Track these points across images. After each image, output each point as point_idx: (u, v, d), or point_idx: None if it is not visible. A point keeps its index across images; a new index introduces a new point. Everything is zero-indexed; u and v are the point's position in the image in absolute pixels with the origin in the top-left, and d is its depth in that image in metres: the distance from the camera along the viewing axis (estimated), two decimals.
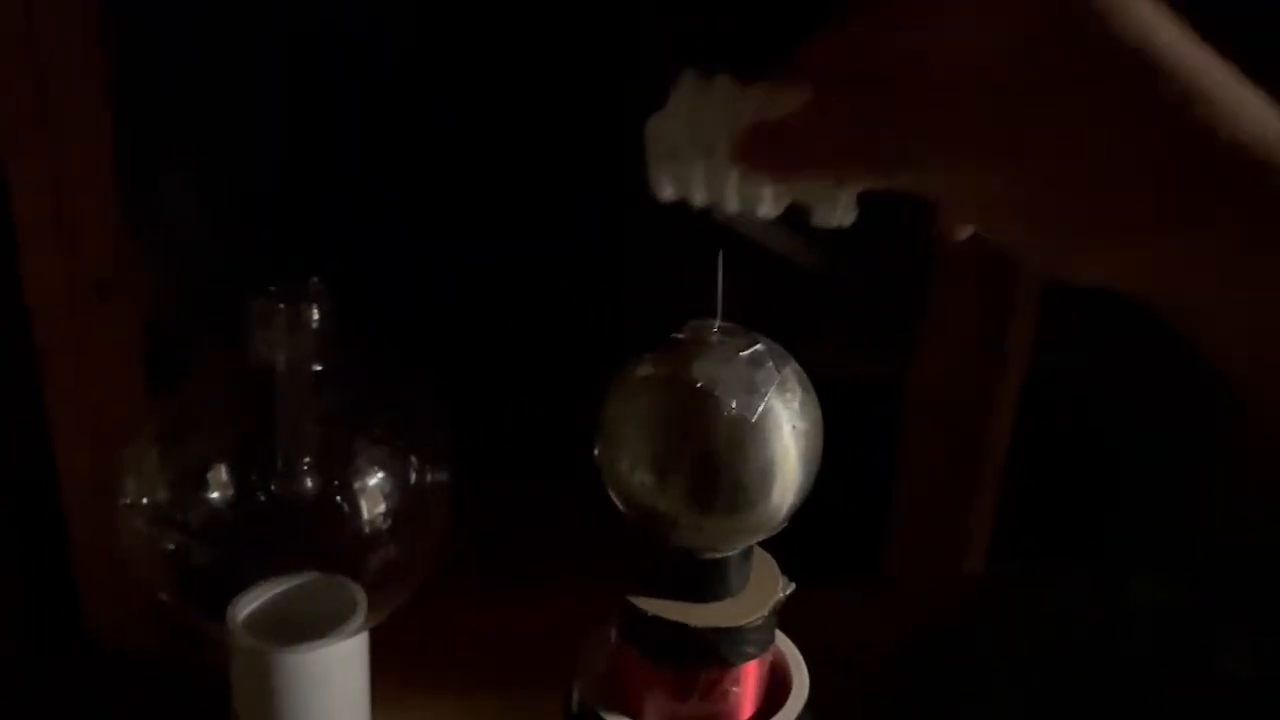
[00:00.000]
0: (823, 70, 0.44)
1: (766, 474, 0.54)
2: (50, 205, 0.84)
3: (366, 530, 0.75)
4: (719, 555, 0.57)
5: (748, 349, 0.54)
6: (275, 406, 0.73)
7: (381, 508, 0.75)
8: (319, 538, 0.75)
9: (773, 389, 0.54)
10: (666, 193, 0.47)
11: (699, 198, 0.47)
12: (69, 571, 0.93)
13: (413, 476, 0.76)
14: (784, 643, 0.62)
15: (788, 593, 0.59)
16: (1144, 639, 0.94)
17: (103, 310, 0.87)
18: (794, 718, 0.59)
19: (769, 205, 0.46)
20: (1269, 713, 0.88)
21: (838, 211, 0.45)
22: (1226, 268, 0.38)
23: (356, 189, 1.25)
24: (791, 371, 0.55)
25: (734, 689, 0.58)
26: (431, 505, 0.77)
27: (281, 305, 0.71)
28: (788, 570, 0.60)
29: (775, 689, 0.60)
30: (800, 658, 0.62)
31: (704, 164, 0.46)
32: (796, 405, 0.55)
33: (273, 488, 0.73)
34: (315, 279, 0.72)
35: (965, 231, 0.46)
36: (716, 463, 0.53)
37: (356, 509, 0.74)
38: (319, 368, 0.73)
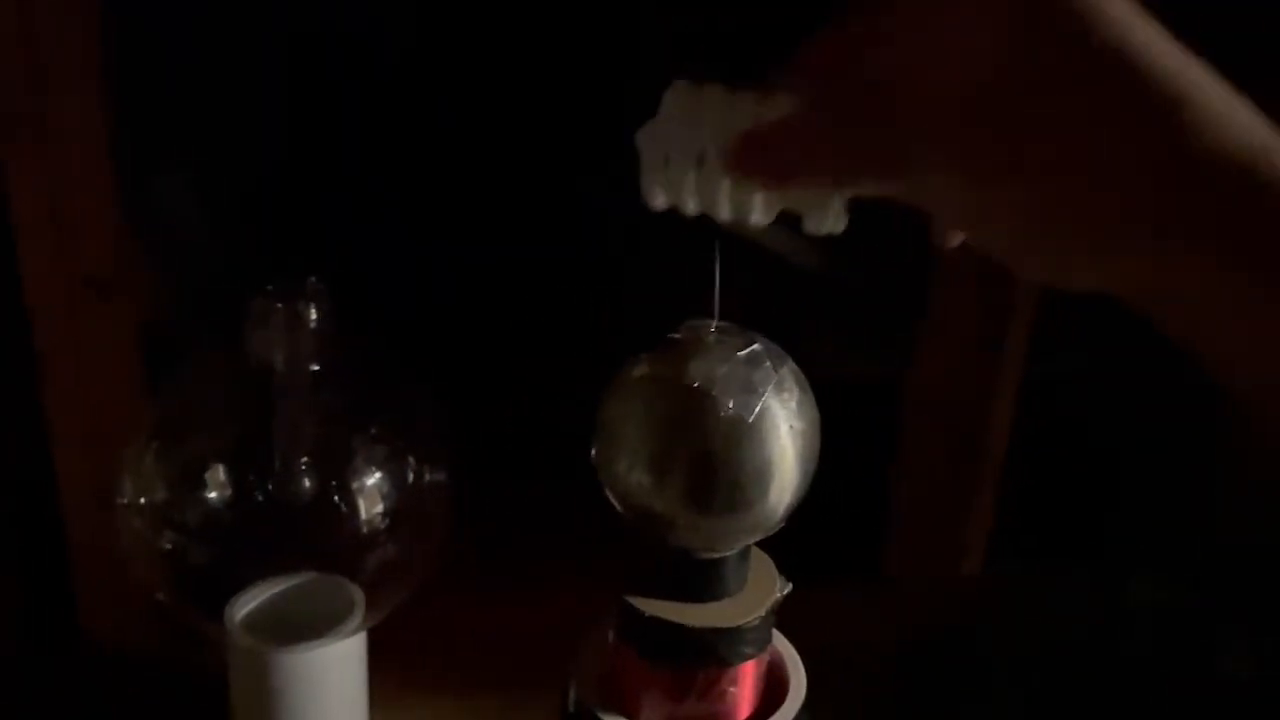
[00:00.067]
0: (814, 78, 0.44)
1: (764, 474, 0.54)
2: (48, 205, 0.84)
3: (364, 530, 0.75)
4: (716, 555, 0.57)
5: (745, 349, 0.54)
6: (273, 406, 0.73)
7: (379, 508, 0.75)
8: (317, 538, 0.75)
9: (770, 389, 0.53)
10: (658, 201, 0.47)
11: (691, 206, 0.47)
12: (67, 571, 0.93)
13: (411, 476, 0.76)
14: (781, 643, 0.62)
15: (785, 593, 0.59)
16: (1144, 639, 0.93)
17: (101, 310, 0.87)
18: (791, 718, 0.59)
19: (760, 213, 0.46)
20: (1269, 713, 0.88)
21: (829, 219, 0.45)
22: (1208, 276, 0.38)
23: (356, 189, 1.25)
24: (788, 371, 0.55)
25: (731, 689, 0.58)
26: (430, 505, 0.77)
27: (279, 305, 0.71)
28: (787, 570, 0.60)
29: (773, 689, 0.60)
30: (798, 658, 0.62)
31: (695, 172, 0.46)
32: (794, 405, 0.54)
33: (270, 487, 0.73)
34: (313, 278, 0.72)
35: (958, 238, 0.47)
36: (714, 463, 0.53)
37: (354, 509, 0.74)
38: (317, 367, 0.73)
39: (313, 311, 0.72)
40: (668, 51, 1.23)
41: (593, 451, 0.56)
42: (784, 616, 0.60)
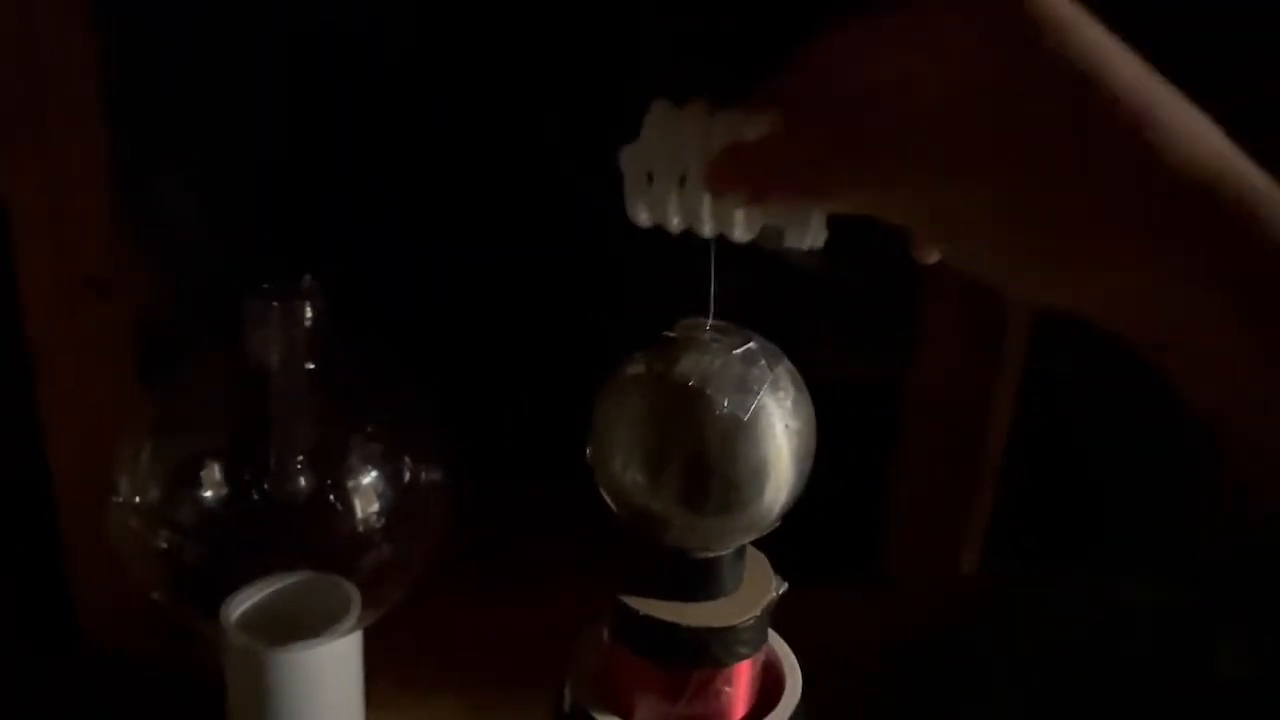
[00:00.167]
0: (792, 98, 0.45)
1: (759, 473, 0.53)
2: (46, 204, 0.84)
3: (360, 529, 0.74)
4: (712, 555, 0.57)
5: (740, 347, 0.54)
6: (269, 405, 0.73)
7: (375, 507, 0.75)
8: (313, 537, 0.74)
9: (765, 388, 0.53)
10: (642, 218, 0.48)
11: (674, 223, 0.48)
12: (64, 571, 0.93)
13: (407, 475, 0.76)
14: (777, 642, 0.62)
15: (780, 592, 0.58)
16: (1143, 639, 0.93)
17: (98, 309, 0.87)
18: (787, 718, 0.59)
19: (742, 229, 0.47)
20: (1269, 713, 0.87)
21: (809, 234, 0.46)
22: (1173, 291, 0.39)
23: (355, 188, 1.24)
24: (784, 370, 0.55)
25: (726, 689, 0.58)
26: (426, 504, 0.77)
27: (275, 303, 0.71)
28: (784, 570, 0.60)
29: (769, 689, 0.60)
30: (793, 657, 0.61)
31: (678, 190, 0.47)
32: (789, 404, 0.54)
33: (266, 486, 0.73)
34: (309, 277, 0.72)
35: (936, 254, 0.47)
36: (709, 462, 0.53)
37: (350, 508, 0.74)
38: (313, 366, 0.73)
39: (308, 310, 0.72)
40: (668, 51, 1.23)
41: (588, 450, 0.56)
42: (780, 616, 0.60)
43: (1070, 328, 0.42)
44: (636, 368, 0.55)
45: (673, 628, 0.56)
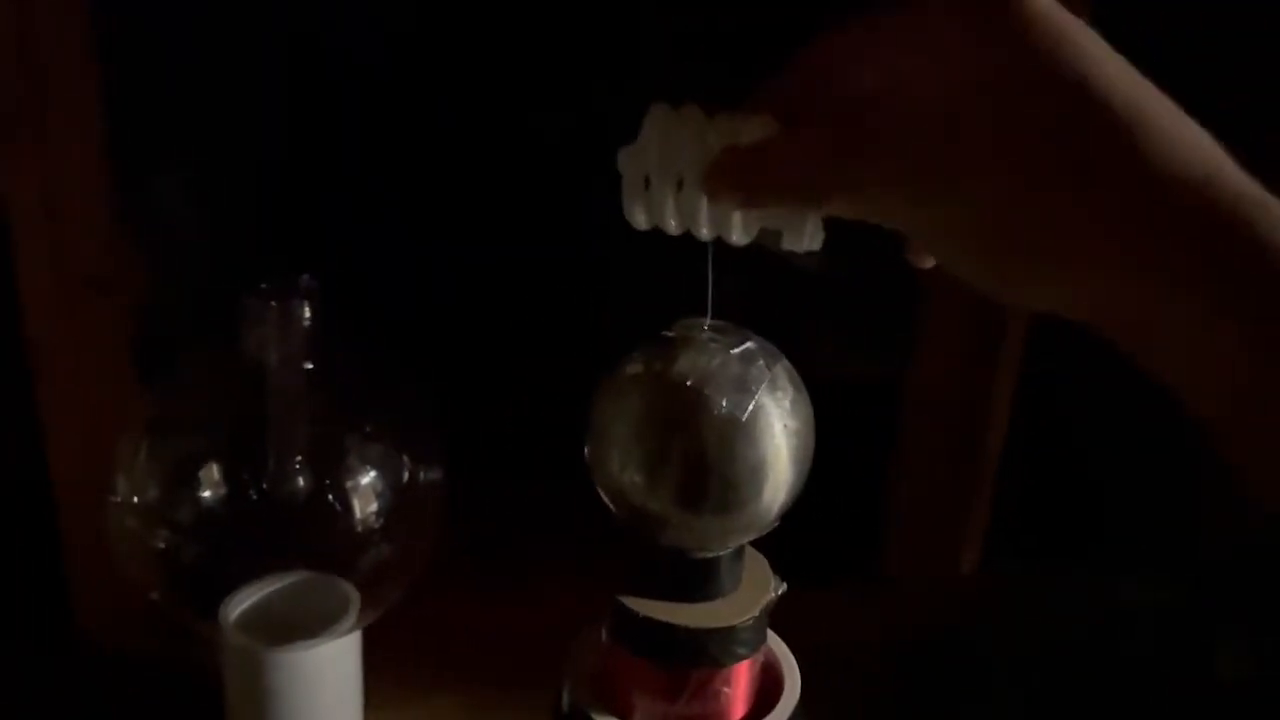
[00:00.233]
0: (791, 98, 0.45)
1: (757, 473, 0.53)
2: (45, 203, 0.84)
3: (359, 529, 0.74)
4: (710, 555, 0.57)
5: (738, 347, 0.54)
6: (267, 404, 0.73)
7: (374, 506, 0.75)
8: (311, 536, 0.74)
9: (763, 387, 0.53)
10: (640, 221, 0.48)
11: (672, 225, 0.48)
12: (63, 571, 0.93)
13: (405, 475, 0.76)
14: (776, 643, 0.61)
15: (779, 593, 0.58)
16: (1144, 639, 0.93)
17: (96, 308, 0.86)
18: (786, 718, 0.59)
19: (739, 232, 0.47)
20: (1269, 713, 0.87)
21: (806, 237, 0.46)
22: (1161, 293, 0.39)
23: (355, 188, 1.24)
24: (782, 369, 0.55)
25: (725, 689, 0.58)
26: (424, 504, 0.77)
27: (273, 303, 0.71)
28: (784, 570, 0.60)
29: (767, 689, 0.60)
30: (792, 658, 0.61)
31: (675, 193, 0.47)
32: (787, 404, 0.54)
33: (264, 486, 0.73)
34: (307, 276, 0.72)
35: (932, 259, 0.48)
36: (707, 461, 0.53)
37: (348, 508, 0.74)
38: (311, 366, 0.73)
39: (306, 310, 0.72)
40: (668, 51, 1.23)
41: (586, 450, 0.56)
42: (780, 617, 0.60)
43: (1069, 327, 0.42)
44: (634, 367, 0.55)
45: (671, 628, 0.56)
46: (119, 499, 0.73)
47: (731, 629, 0.56)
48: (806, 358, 0.57)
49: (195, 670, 0.82)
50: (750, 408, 0.53)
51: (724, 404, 0.52)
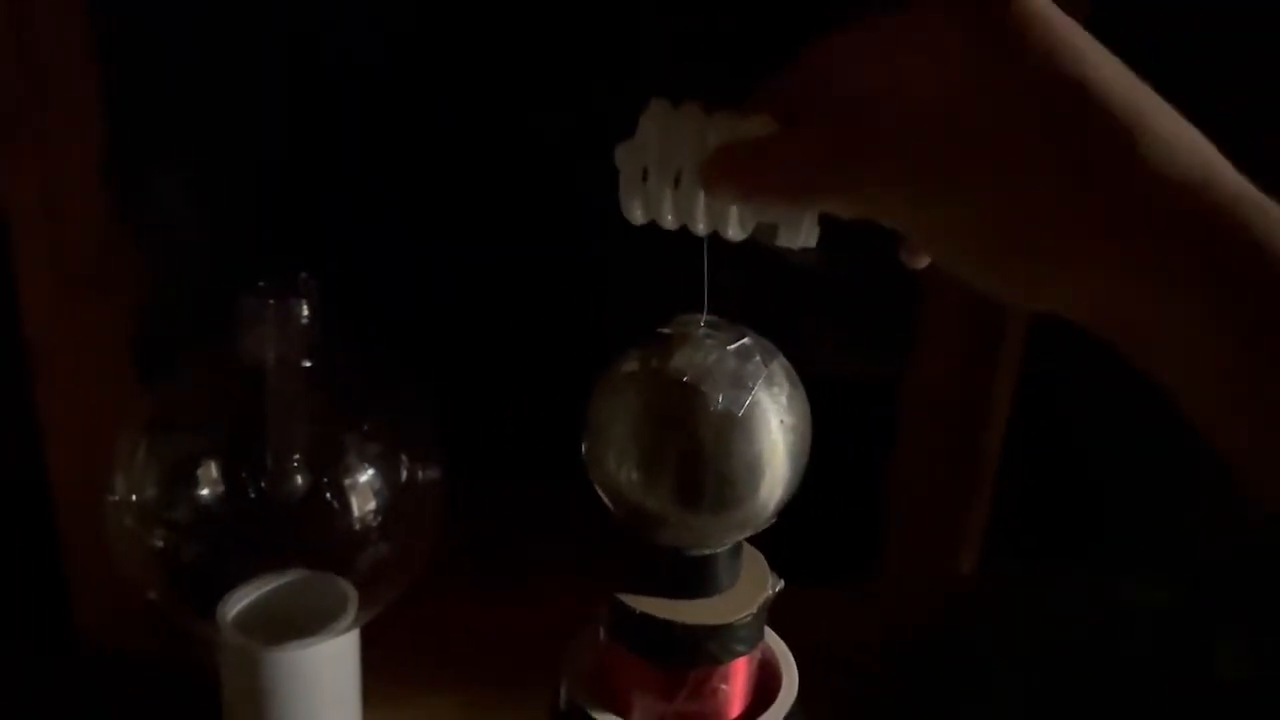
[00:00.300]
0: (792, 98, 0.45)
1: (754, 469, 0.53)
2: (44, 203, 0.84)
3: (357, 528, 0.74)
4: (707, 552, 0.56)
5: (734, 343, 0.54)
6: (265, 403, 0.73)
7: (372, 505, 0.74)
8: (309, 535, 0.74)
9: (760, 383, 0.53)
10: (637, 215, 0.48)
11: (669, 220, 0.48)
12: (61, 570, 0.93)
13: (404, 474, 0.76)
14: (774, 640, 0.61)
15: (777, 590, 0.58)
16: (1143, 639, 0.93)
17: (95, 307, 0.87)
18: (783, 716, 0.59)
19: (735, 227, 0.47)
20: (1269, 713, 0.87)
21: (801, 233, 0.46)
22: (1159, 294, 0.39)
23: (354, 188, 1.24)
24: (779, 366, 0.55)
25: (723, 687, 0.58)
26: (422, 503, 0.77)
27: (271, 301, 0.71)
28: (783, 569, 0.60)
29: (765, 687, 0.60)
30: (790, 655, 0.61)
31: (672, 188, 0.47)
32: (784, 400, 0.54)
33: (263, 485, 0.73)
34: (305, 275, 0.72)
35: (926, 260, 0.48)
36: (703, 458, 0.53)
37: (347, 506, 0.74)
38: (309, 364, 0.73)
39: (304, 308, 0.72)
40: (668, 51, 1.23)
41: (583, 447, 0.56)
42: (778, 614, 0.60)
43: (1069, 327, 0.42)
44: (630, 364, 0.55)
45: (669, 626, 0.56)
46: (117, 498, 0.73)
47: (729, 626, 0.56)
48: (805, 356, 0.57)
49: (194, 670, 0.82)
50: (747, 404, 0.52)
51: (720, 400, 0.52)
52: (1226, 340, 0.38)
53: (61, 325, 0.87)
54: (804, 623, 0.62)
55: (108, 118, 0.85)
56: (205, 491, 0.73)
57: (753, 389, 0.53)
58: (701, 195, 0.46)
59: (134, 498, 0.73)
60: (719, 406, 0.52)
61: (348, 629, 0.74)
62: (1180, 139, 0.39)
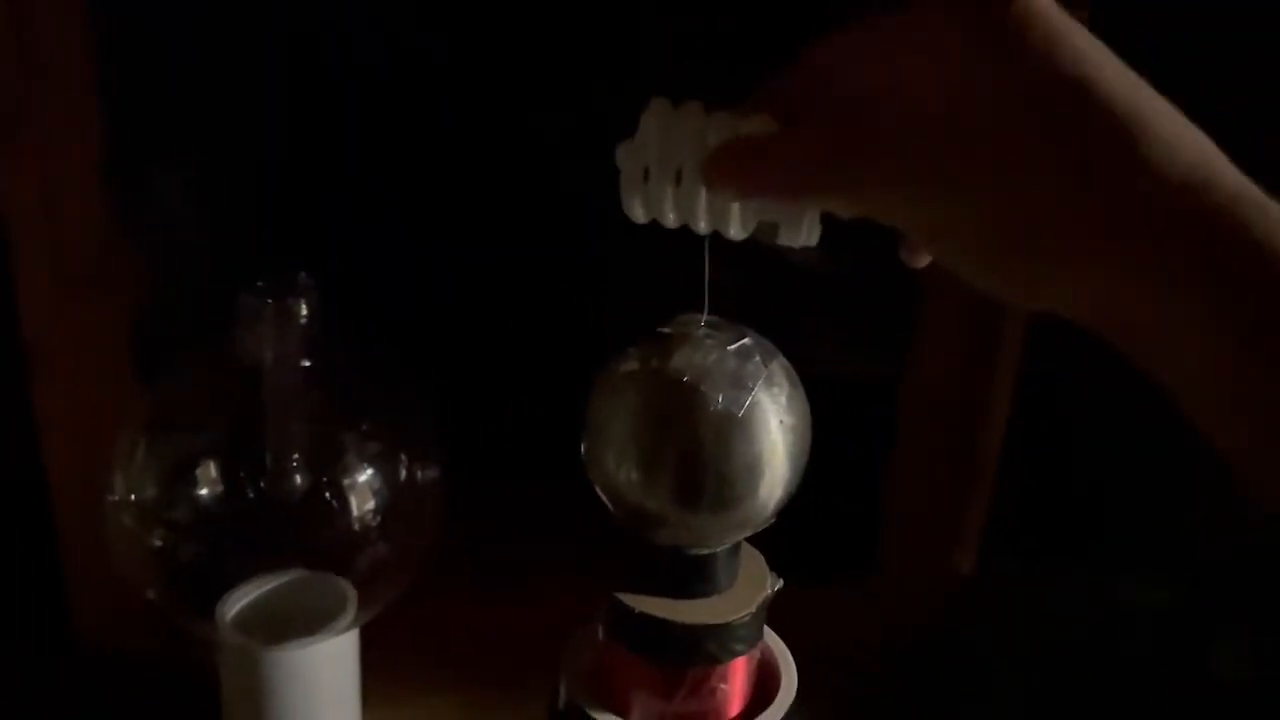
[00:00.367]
0: (792, 98, 0.45)
1: (753, 469, 0.53)
2: (42, 203, 0.84)
3: (356, 527, 0.74)
4: (706, 551, 0.56)
5: (734, 343, 0.54)
6: (264, 403, 0.73)
7: (371, 505, 0.74)
8: (308, 535, 0.74)
9: (759, 383, 0.53)
10: (638, 214, 0.48)
11: (670, 219, 0.48)
12: (60, 571, 0.93)
13: (403, 473, 0.76)
14: (773, 640, 0.61)
15: (776, 589, 0.58)
16: (1143, 639, 0.93)
17: (94, 308, 0.87)
18: (782, 715, 0.59)
19: (736, 225, 0.47)
20: (1269, 713, 0.87)
21: (803, 232, 0.46)
22: (1159, 294, 0.39)
23: (354, 188, 1.24)
24: (779, 366, 0.55)
25: (722, 686, 0.58)
26: (422, 502, 0.77)
27: (269, 300, 0.71)
28: (783, 568, 0.60)
29: (764, 686, 0.60)
30: (789, 655, 0.61)
31: (674, 187, 0.47)
32: (784, 400, 0.54)
33: (262, 484, 0.73)
34: (303, 274, 0.72)
35: (926, 258, 0.48)
36: (703, 458, 0.53)
37: (346, 506, 0.74)
38: (308, 364, 0.73)
39: (303, 308, 0.72)
40: (668, 51, 1.23)
41: (582, 447, 0.56)
42: (777, 614, 0.60)
43: (1068, 327, 0.42)
44: (630, 364, 0.55)
45: (667, 625, 0.56)
46: (116, 498, 0.73)
47: (728, 626, 0.56)
48: (804, 355, 0.57)
49: (193, 670, 0.82)
50: (746, 404, 0.52)
51: (720, 400, 0.52)
52: (1226, 340, 0.38)
53: (61, 325, 0.86)
54: (803, 622, 0.62)
55: (107, 117, 0.85)
56: (204, 491, 0.73)
57: (752, 389, 0.53)
58: (703, 193, 0.46)
59: (133, 497, 0.73)
60: (719, 406, 0.52)
61: (347, 629, 0.74)
62: (1181, 139, 0.39)
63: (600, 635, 0.59)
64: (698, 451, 0.53)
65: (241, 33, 1.12)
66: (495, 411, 1.23)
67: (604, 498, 0.56)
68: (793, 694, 0.59)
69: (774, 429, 0.53)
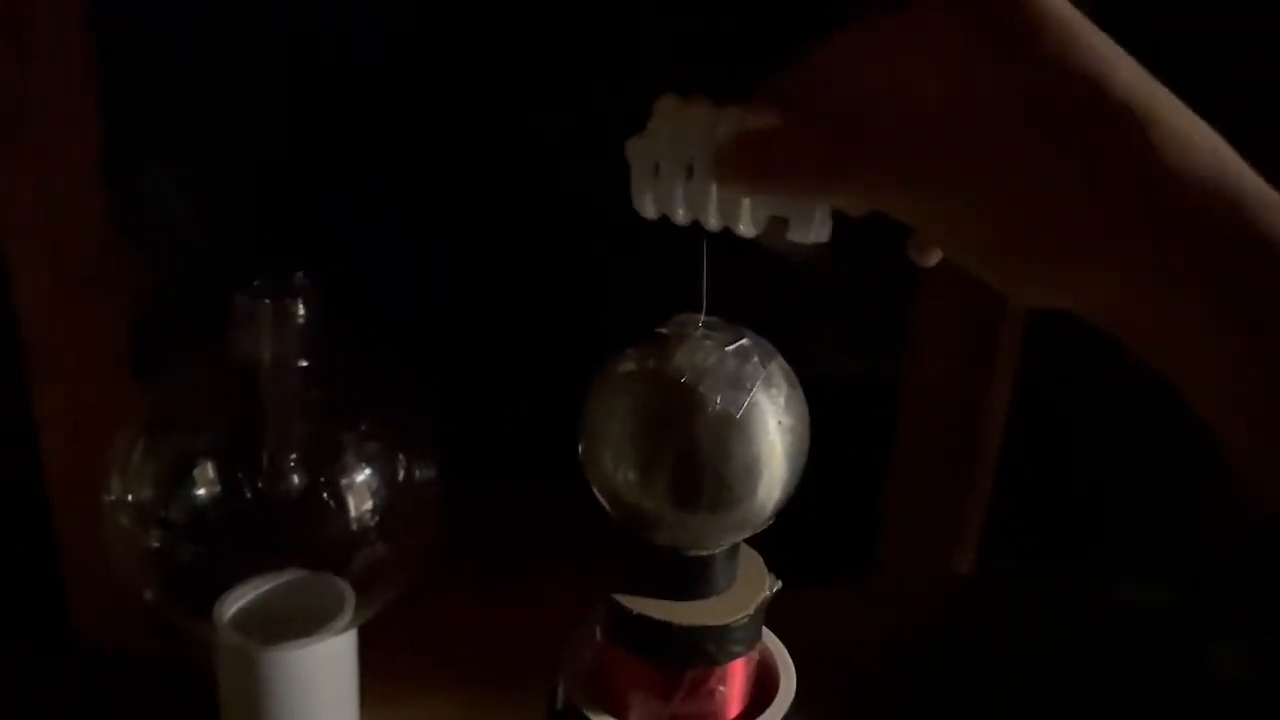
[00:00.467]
0: (793, 98, 0.45)
1: (751, 470, 0.53)
2: (41, 202, 0.84)
3: (354, 527, 0.74)
4: (705, 553, 0.56)
5: (732, 344, 0.54)
6: (261, 403, 0.73)
7: (369, 504, 0.74)
8: (306, 535, 0.74)
9: (758, 384, 0.53)
10: (649, 210, 0.48)
11: (681, 215, 0.48)
12: (58, 571, 0.93)
13: (401, 473, 0.76)
14: (772, 641, 0.61)
15: (774, 591, 0.58)
16: (1143, 639, 0.93)
17: (92, 307, 0.86)
18: (781, 716, 0.59)
19: (747, 221, 0.47)
20: (1269, 713, 0.87)
21: (814, 228, 0.46)
22: (1173, 292, 0.39)
23: (354, 188, 1.24)
24: (777, 366, 0.55)
25: (720, 688, 0.58)
26: (420, 502, 0.77)
27: (267, 300, 0.71)
28: (781, 569, 0.59)
29: (763, 688, 0.60)
30: (788, 656, 0.61)
31: (684, 183, 0.47)
32: (782, 401, 0.54)
33: (259, 484, 0.73)
34: (301, 274, 0.72)
35: (936, 256, 0.48)
36: (701, 459, 0.53)
37: (344, 506, 0.74)
38: (305, 364, 0.73)
39: (300, 307, 0.72)
40: (668, 51, 1.23)
41: (579, 448, 0.56)
42: (776, 615, 0.60)
43: (1068, 327, 0.42)
44: (628, 364, 0.55)
45: (666, 626, 0.56)
46: (114, 498, 0.73)
47: (726, 627, 0.56)
48: (803, 355, 0.57)
49: (192, 670, 0.82)
50: (745, 405, 0.52)
51: (718, 401, 0.52)
52: (1226, 340, 0.38)
53: (59, 325, 0.86)
54: (802, 623, 0.62)
55: (107, 118, 0.85)
56: (202, 491, 0.73)
57: (751, 390, 0.53)
58: (713, 189, 0.46)
59: (130, 498, 0.73)
60: (717, 407, 0.52)
61: (345, 629, 0.74)
62: (1191, 134, 0.39)
63: (598, 636, 0.59)
64: (696, 452, 0.53)
65: (241, 33, 1.12)
66: (495, 411, 1.23)
67: (601, 498, 0.56)
68: (791, 695, 0.59)
69: (772, 430, 0.53)
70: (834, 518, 0.88)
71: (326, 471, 0.74)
